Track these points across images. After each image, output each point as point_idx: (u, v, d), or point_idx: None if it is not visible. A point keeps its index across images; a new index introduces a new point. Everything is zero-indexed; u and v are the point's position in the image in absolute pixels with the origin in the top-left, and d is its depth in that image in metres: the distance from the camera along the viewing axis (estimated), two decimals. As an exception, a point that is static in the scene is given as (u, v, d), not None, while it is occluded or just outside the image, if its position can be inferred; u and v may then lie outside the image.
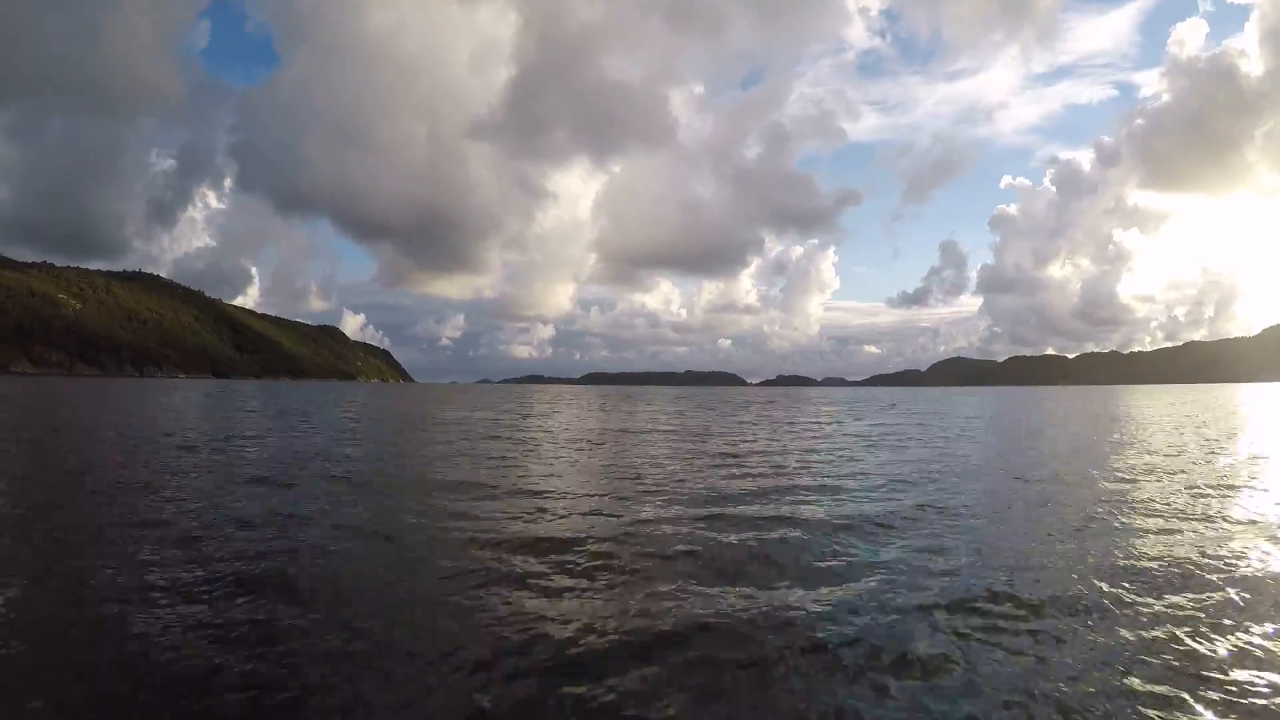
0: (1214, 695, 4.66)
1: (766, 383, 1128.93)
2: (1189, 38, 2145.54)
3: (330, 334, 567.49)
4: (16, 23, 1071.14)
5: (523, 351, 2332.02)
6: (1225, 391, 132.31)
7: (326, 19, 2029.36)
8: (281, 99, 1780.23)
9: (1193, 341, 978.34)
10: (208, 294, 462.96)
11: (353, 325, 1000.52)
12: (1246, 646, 5.43)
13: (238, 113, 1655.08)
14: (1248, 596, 6.59)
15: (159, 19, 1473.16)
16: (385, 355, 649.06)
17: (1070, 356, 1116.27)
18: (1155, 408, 53.64)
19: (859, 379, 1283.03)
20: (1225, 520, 10.00)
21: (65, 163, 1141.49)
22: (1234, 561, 7.75)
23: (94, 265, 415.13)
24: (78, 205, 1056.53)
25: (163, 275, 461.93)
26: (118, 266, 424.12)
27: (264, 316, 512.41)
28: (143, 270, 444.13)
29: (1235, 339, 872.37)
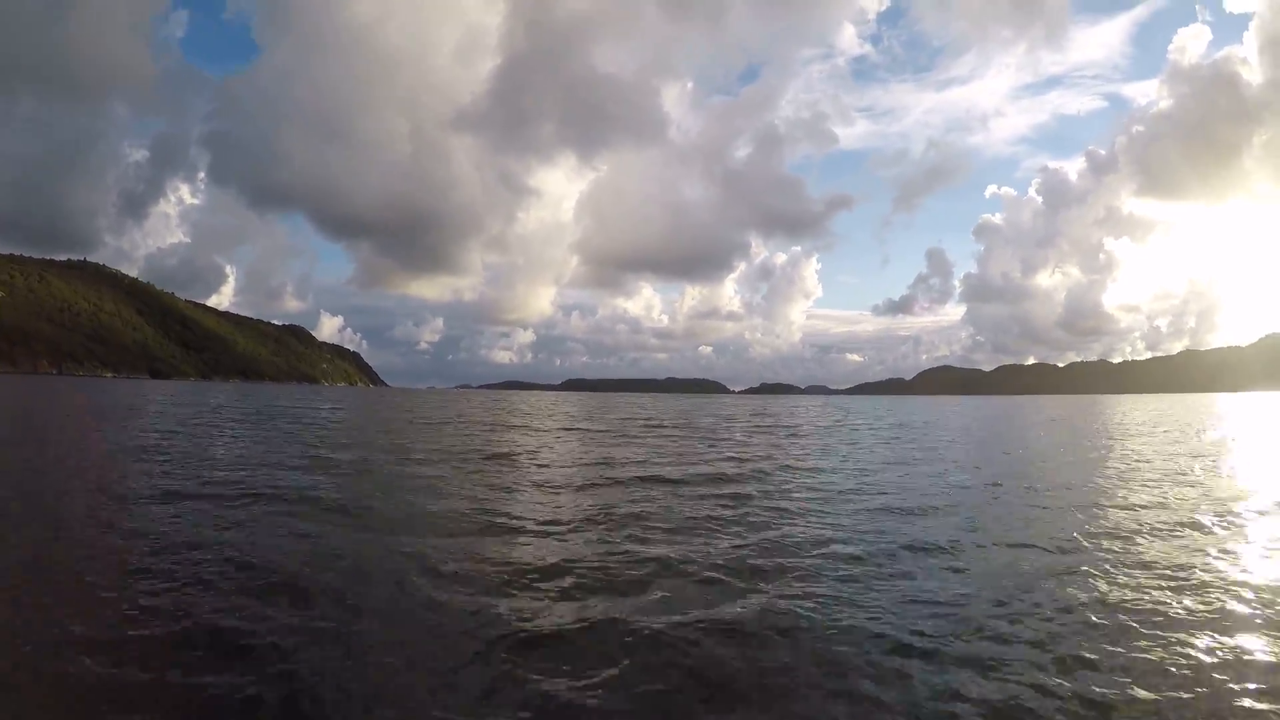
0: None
1: (750, 390, 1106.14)
2: (1190, 44, 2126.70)
3: (295, 334, 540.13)
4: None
5: (503, 356, 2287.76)
6: (1248, 401, 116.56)
7: (309, 6, 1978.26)
8: (259, 89, 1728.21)
9: (1187, 350, 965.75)
10: (177, 293, 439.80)
11: (330, 327, 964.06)
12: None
13: (213, 102, 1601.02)
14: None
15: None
16: (355, 358, 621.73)
17: (1060, 365, 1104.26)
18: None
19: (842, 387, 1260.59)
20: None
21: (31, 151, 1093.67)
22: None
23: (58, 258, 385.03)
24: (45, 196, 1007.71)
25: (133, 272, 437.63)
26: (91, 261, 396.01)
27: (222, 314, 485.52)
28: (113, 267, 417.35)
29: (1229, 348, 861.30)
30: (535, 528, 9.98)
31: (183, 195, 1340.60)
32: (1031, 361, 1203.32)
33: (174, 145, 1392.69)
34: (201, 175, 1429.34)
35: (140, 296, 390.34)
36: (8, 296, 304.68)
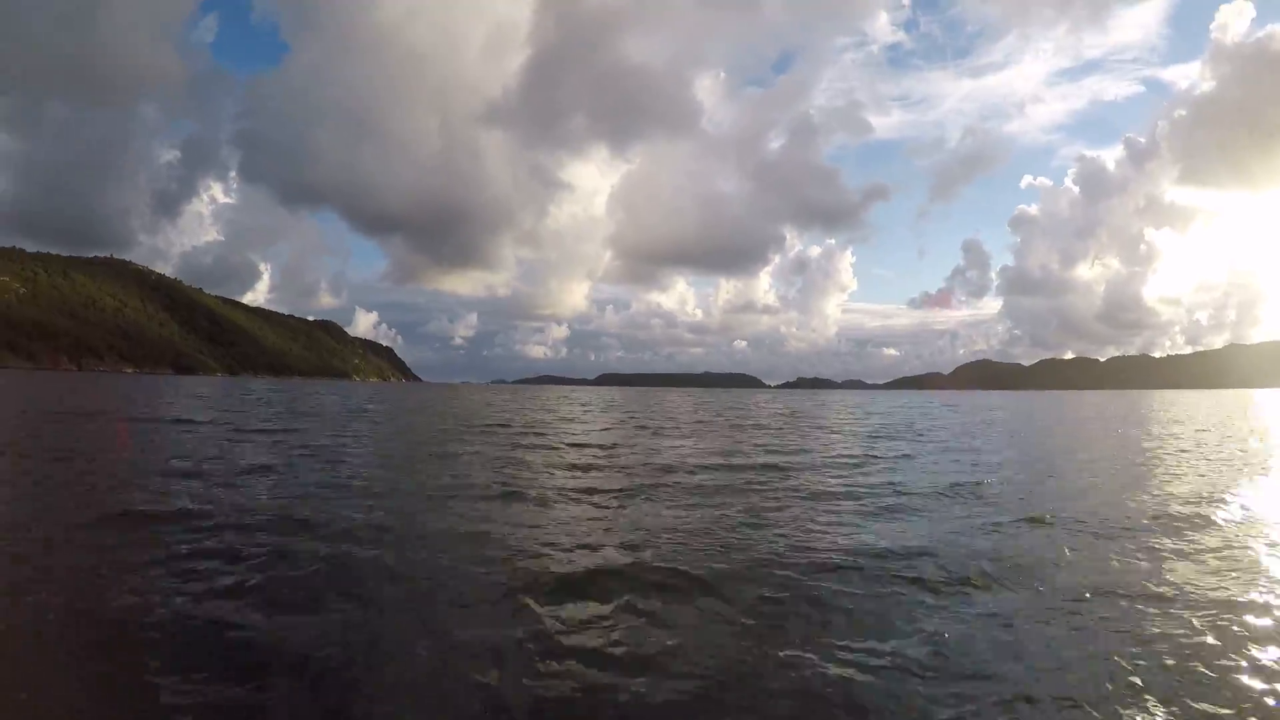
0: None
1: (786, 385, 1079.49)
2: (1233, 22, 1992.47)
3: (327, 329, 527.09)
4: (8, 8, 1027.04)
5: (537, 351, 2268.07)
6: None
7: (336, 5, 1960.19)
8: (288, 88, 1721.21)
9: (1231, 345, 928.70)
10: (213, 291, 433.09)
11: (365, 323, 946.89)
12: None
13: (243, 102, 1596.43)
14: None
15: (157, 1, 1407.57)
16: (388, 353, 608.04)
17: (1101, 360, 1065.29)
18: None
19: (880, 382, 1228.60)
20: None
21: (66, 153, 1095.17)
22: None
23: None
24: (80, 197, 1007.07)
25: (168, 271, 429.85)
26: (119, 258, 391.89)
27: (252, 309, 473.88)
28: (143, 264, 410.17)
29: (1273, 342, 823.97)
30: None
31: (215, 194, 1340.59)
32: (1070, 356, 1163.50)
33: (205, 145, 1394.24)
34: (233, 174, 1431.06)
35: (167, 292, 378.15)
36: (29, 293, 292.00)
